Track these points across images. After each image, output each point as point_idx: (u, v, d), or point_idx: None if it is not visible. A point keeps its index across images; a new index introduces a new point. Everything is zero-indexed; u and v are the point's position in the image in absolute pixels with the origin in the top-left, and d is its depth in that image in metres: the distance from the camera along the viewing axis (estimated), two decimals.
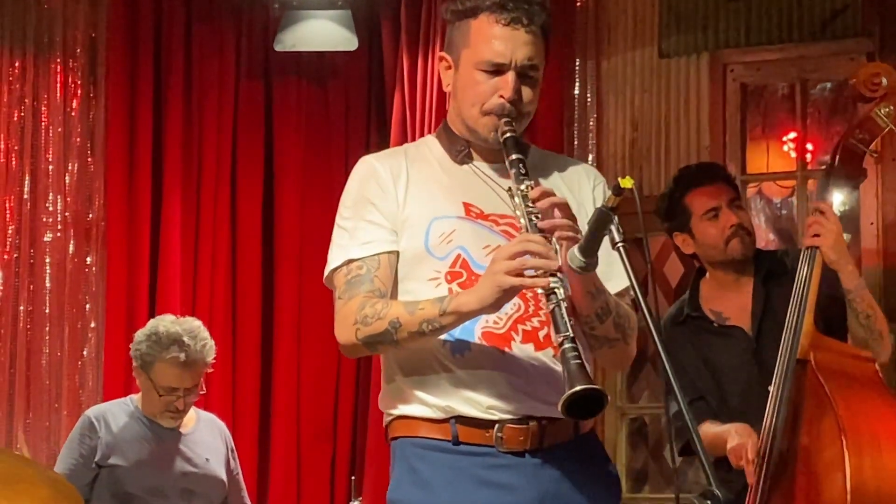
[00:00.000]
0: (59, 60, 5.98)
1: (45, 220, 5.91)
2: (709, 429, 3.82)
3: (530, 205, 2.72)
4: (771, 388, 3.67)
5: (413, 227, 2.85)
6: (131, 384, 5.12)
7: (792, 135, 5.62)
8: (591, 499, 2.84)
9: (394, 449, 2.89)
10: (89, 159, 6.01)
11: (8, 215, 5.86)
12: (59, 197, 5.93)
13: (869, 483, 3.43)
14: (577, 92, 5.75)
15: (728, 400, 3.97)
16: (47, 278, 5.89)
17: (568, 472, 2.82)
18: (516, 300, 2.78)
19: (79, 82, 6.01)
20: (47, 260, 5.89)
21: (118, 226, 5.91)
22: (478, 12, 2.86)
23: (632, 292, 2.66)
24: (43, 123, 5.95)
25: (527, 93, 2.86)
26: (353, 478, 5.51)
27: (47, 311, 5.87)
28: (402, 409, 2.85)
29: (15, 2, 5.97)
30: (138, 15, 6.00)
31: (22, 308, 5.85)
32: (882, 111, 3.82)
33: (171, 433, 4.72)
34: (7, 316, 5.82)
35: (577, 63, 5.75)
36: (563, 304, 2.62)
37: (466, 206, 2.87)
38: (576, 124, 5.74)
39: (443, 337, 2.77)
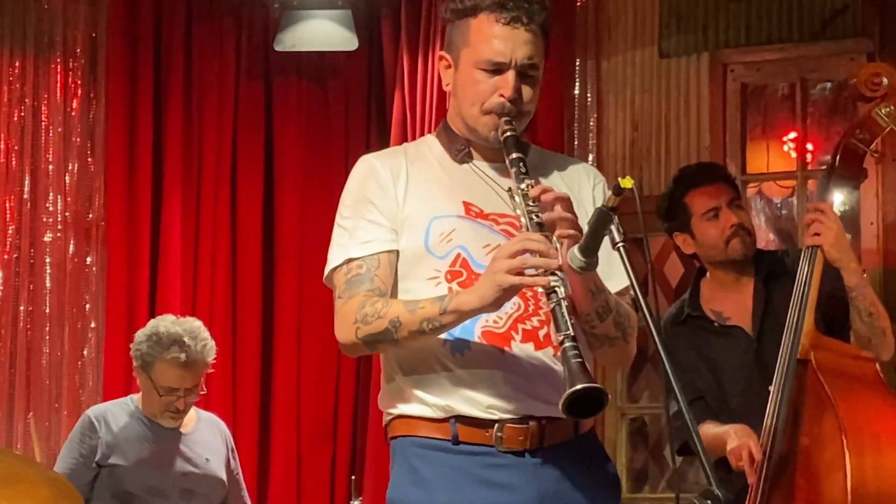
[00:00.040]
0: (59, 60, 5.98)
1: (45, 220, 5.91)
2: (708, 429, 3.82)
3: (530, 203, 2.72)
4: (771, 388, 3.67)
5: (413, 226, 2.85)
6: (131, 384, 5.12)
7: (792, 135, 5.62)
8: (590, 498, 2.83)
9: (393, 448, 2.88)
10: (89, 159, 6.01)
11: (8, 215, 5.87)
12: (59, 197, 5.93)
13: (869, 483, 3.43)
14: (577, 92, 5.75)
15: (728, 400, 3.97)
16: (47, 278, 5.89)
17: (568, 472, 2.81)
18: (516, 299, 2.77)
19: (79, 82, 6.01)
20: (47, 260, 5.90)
21: (118, 226, 5.91)
22: (477, 11, 2.85)
23: (632, 292, 2.66)
24: (43, 123, 5.95)
25: (527, 92, 2.85)
26: (353, 477, 5.50)
27: (47, 310, 5.87)
28: (402, 409, 2.85)
29: (15, 2, 5.97)
30: (138, 15, 6.00)
31: (22, 308, 5.86)
32: (883, 111, 3.83)
33: (172, 433, 4.72)
34: (7, 316, 5.83)
35: (577, 63, 5.75)
36: (564, 303, 2.62)
37: (466, 205, 2.87)
38: (576, 124, 5.75)
39: (442, 336, 2.77)
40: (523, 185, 2.75)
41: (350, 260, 2.85)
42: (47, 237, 5.91)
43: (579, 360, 2.58)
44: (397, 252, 2.86)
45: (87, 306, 5.96)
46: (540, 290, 2.69)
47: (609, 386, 5.53)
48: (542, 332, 2.79)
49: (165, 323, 4.72)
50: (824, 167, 4.29)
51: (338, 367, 6.10)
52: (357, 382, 6.13)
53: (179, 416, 4.70)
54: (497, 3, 2.83)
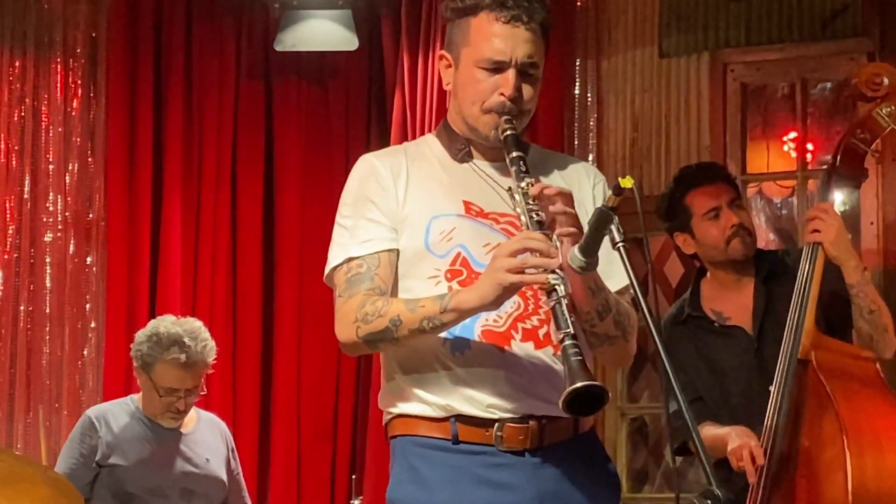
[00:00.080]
0: (59, 60, 5.98)
1: (45, 219, 5.91)
2: (708, 431, 3.82)
3: (531, 202, 2.72)
4: (772, 388, 3.67)
5: (413, 225, 2.85)
6: (131, 384, 5.12)
7: (792, 134, 5.62)
8: (590, 498, 2.83)
9: (393, 447, 2.88)
10: (89, 159, 6.01)
11: (8, 215, 5.86)
12: (59, 197, 5.93)
13: (870, 483, 3.43)
14: (577, 92, 5.75)
15: (729, 400, 3.97)
16: (47, 278, 5.89)
17: (567, 472, 2.81)
18: (516, 298, 2.78)
19: (79, 82, 6.01)
20: (47, 260, 5.89)
21: (118, 226, 5.91)
22: (478, 10, 2.86)
23: (632, 291, 2.66)
24: (43, 123, 5.95)
25: (527, 90, 2.86)
26: (353, 477, 5.51)
27: (47, 310, 5.87)
28: (402, 408, 2.85)
29: (15, 1, 5.97)
30: (138, 15, 6.00)
31: (22, 308, 5.86)
32: (883, 111, 3.83)
33: (172, 433, 4.72)
34: (7, 316, 5.83)
35: (578, 63, 5.75)
36: (564, 301, 2.62)
37: (466, 204, 2.87)
38: (576, 124, 5.74)
39: (442, 335, 2.77)
40: (523, 184, 2.75)
41: (350, 259, 2.85)
42: (47, 237, 5.90)
43: (579, 357, 2.58)
44: (397, 251, 2.86)
45: (88, 306, 5.95)
46: (539, 288, 2.69)
47: (609, 385, 5.53)
48: (541, 332, 2.79)
49: (166, 323, 4.72)
50: (824, 167, 4.29)
51: (338, 367, 6.10)
52: (357, 382, 6.13)
53: (180, 416, 4.70)
54: (497, 1, 2.83)
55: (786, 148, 5.68)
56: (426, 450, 2.81)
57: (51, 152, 5.94)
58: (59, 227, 5.92)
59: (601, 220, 2.64)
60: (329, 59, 6.20)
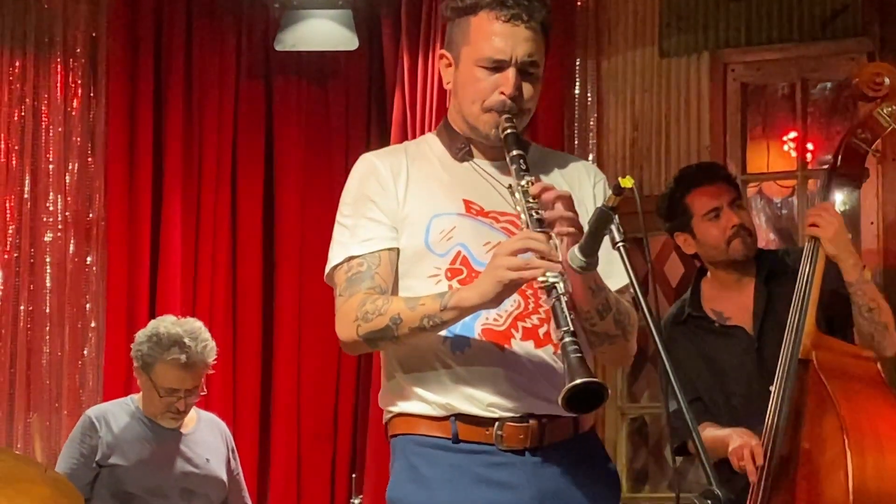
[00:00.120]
0: (59, 60, 5.98)
1: (45, 219, 5.91)
2: (708, 432, 3.81)
3: (531, 200, 2.72)
4: (772, 388, 3.67)
5: (413, 224, 2.85)
6: (131, 384, 5.12)
7: (792, 134, 5.62)
8: (590, 497, 2.83)
9: (393, 446, 2.88)
10: (89, 159, 6.01)
11: (8, 215, 5.86)
12: (59, 196, 5.93)
13: (871, 482, 3.43)
14: (577, 91, 5.75)
15: (729, 400, 3.97)
16: (47, 278, 5.88)
17: (568, 471, 2.81)
18: (516, 297, 2.78)
19: (79, 82, 6.01)
20: (48, 259, 5.89)
21: (118, 225, 5.91)
22: (477, 9, 2.86)
23: (632, 291, 2.66)
24: (43, 123, 5.95)
25: (527, 89, 2.86)
26: (353, 477, 5.50)
27: (48, 310, 5.87)
28: (402, 407, 2.85)
29: (15, 1, 5.97)
30: (139, 14, 6.00)
31: (22, 308, 5.85)
32: (884, 111, 3.83)
33: (172, 433, 4.72)
34: (7, 315, 5.82)
35: (578, 62, 5.75)
36: (563, 299, 2.62)
37: (467, 203, 2.87)
38: (576, 124, 5.74)
39: (443, 334, 2.77)
40: (523, 182, 2.75)
41: (351, 258, 2.85)
42: (47, 237, 5.90)
43: (579, 355, 2.58)
44: (398, 250, 2.86)
45: (88, 306, 5.95)
46: (539, 286, 2.69)
47: (610, 385, 5.49)
48: (541, 331, 2.79)
49: (166, 324, 4.72)
50: (825, 167, 4.29)
51: (338, 367, 6.10)
52: (357, 382, 6.13)
53: (180, 416, 4.70)
54: (497, 0, 2.83)
55: (786, 148, 5.68)
56: (426, 449, 2.81)
57: (51, 152, 5.94)
58: (59, 226, 5.92)
59: (601, 220, 2.64)
60: (329, 58, 6.20)
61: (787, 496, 3.61)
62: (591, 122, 5.73)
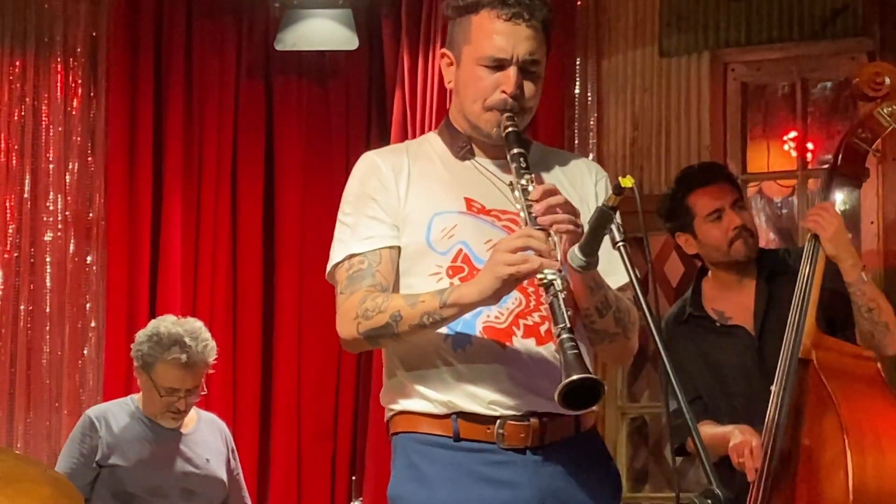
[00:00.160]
0: (59, 59, 5.98)
1: (45, 219, 5.91)
2: (708, 429, 3.82)
3: (531, 199, 2.73)
4: (773, 388, 3.68)
5: (414, 222, 2.86)
6: (132, 384, 5.12)
7: (792, 134, 5.62)
8: (591, 496, 2.83)
9: (395, 444, 2.89)
10: (90, 158, 6.01)
11: (8, 214, 5.86)
12: (59, 196, 5.93)
13: (871, 482, 3.44)
14: (577, 91, 5.74)
15: (730, 400, 3.97)
16: (48, 277, 5.88)
17: (569, 470, 2.81)
18: (517, 295, 2.78)
19: (79, 81, 6.01)
20: (48, 259, 5.89)
21: (119, 225, 5.91)
22: (479, 8, 2.86)
23: (633, 290, 2.66)
24: (43, 123, 5.95)
25: (529, 88, 2.86)
26: (353, 477, 5.51)
27: (48, 310, 5.87)
28: (404, 404, 2.85)
29: (15, 1, 5.97)
30: (139, 14, 6.00)
31: (22, 307, 5.85)
32: (885, 110, 3.84)
33: (172, 433, 4.72)
34: (7, 315, 5.82)
35: (578, 62, 5.75)
36: (561, 296, 2.63)
37: (468, 201, 2.87)
38: (576, 123, 5.74)
39: (444, 331, 2.78)
40: (524, 181, 2.76)
41: (352, 256, 2.86)
42: (48, 236, 5.90)
43: (576, 351, 2.59)
44: (399, 248, 2.86)
45: (88, 306, 5.95)
46: (539, 284, 2.69)
47: (609, 385, 5.54)
48: (543, 328, 2.79)
49: (166, 323, 4.72)
50: (825, 166, 4.29)
51: (338, 367, 6.10)
52: (357, 382, 6.13)
53: (180, 416, 4.70)
54: None
55: (786, 147, 5.67)
56: (427, 447, 2.81)
57: (51, 152, 5.94)
58: (60, 226, 5.92)
59: (601, 220, 2.65)
60: (329, 58, 6.20)
61: (787, 496, 3.61)
62: (592, 122, 5.73)
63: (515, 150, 2.81)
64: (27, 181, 5.90)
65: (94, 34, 6.05)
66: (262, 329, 6.11)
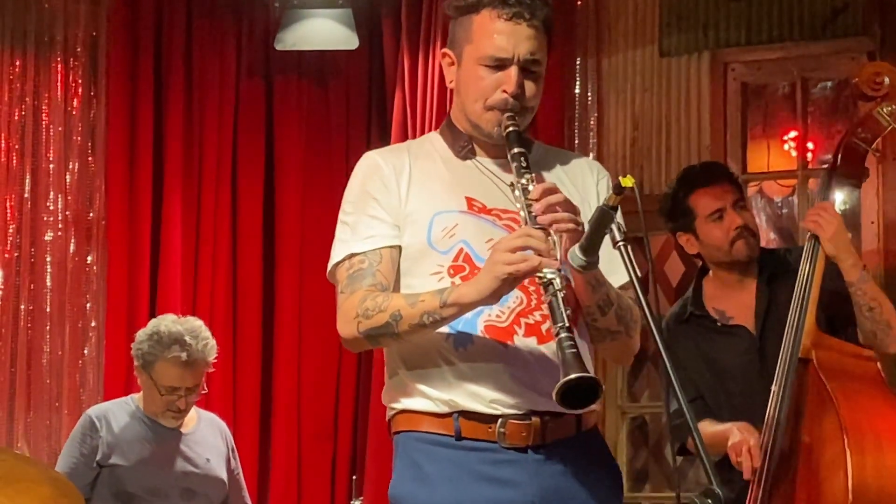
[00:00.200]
0: (59, 59, 5.98)
1: (45, 219, 5.91)
2: (707, 427, 3.82)
3: (530, 198, 2.73)
4: (773, 387, 3.68)
5: (415, 222, 2.86)
6: (132, 383, 5.12)
7: (793, 134, 5.62)
8: (592, 495, 2.84)
9: (396, 443, 2.89)
10: (90, 158, 6.01)
11: (9, 214, 5.87)
12: (59, 196, 5.93)
13: (870, 481, 3.44)
14: (577, 91, 5.75)
15: (731, 399, 3.97)
16: (48, 277, 5.89)
17: (570, 469, 2.82)
18: (518, 293, 2.79)
19: (79, 81, 6.01)
20: (48, 259, 5.90)
21: (119, 225, 5.90)
22: (480, 7, 2.87)
23: (633, 290, 2.66)
24: (44, 122, 5.95)
25: (530, 87, 2.86)
26: (353, 477, 5.50)
27: (48, 310, 5.87)
28: (405, 403, 2.85)
29: (16, 1, 5.97)
30: (139, 14, 6.00)
31: (23, 307, 5.86)
32: (884, 110, 3.84)
33: (172, 433, 4.72)
34: (8, 315, 5.82)
35: (578, 62, 5.75)
36: (560, 295, 2.63)
37: (469, 200, 2.88)
38: (576, 123, 5.74)
39: (445, 330, 2.78)
40: (524, 180, 2.76)
41: (352, 255, 2.86)
42: (48, 236, 5.90)
43: (574, 350, 2.59)
44: (399, 248, 2.87)
45: (88, 305, 5.95)
46: (539, 281, 2.69)
47: (610, 384, 5.54)
48: (544, 327, 2.79)
49: (166, 322, 4.72)
50: (825, 166, 4.29)
51: (338, 367, 6.10)
52: (358, 382, 6.13)
53: (180, 415, 4.70)
54: None
55: (786, 147, 5.67)
56: (429, 446, 2.82)
57: (51, 151, 5.94)
58: (60, 226, 5.92)
59: (602, 219, 2.65)
60: (329, 58, 6.20)
61: (787, 495, 3.61)
62: (592, 122, 5.73)
63: (516, 150, 2.81)
64: (27, 181, 5.91)
65: (94, 34, 6.05)
66: (262, 329, 6.11)
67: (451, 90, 2.97)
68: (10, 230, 5.86)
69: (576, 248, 2.70)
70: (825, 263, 3.78)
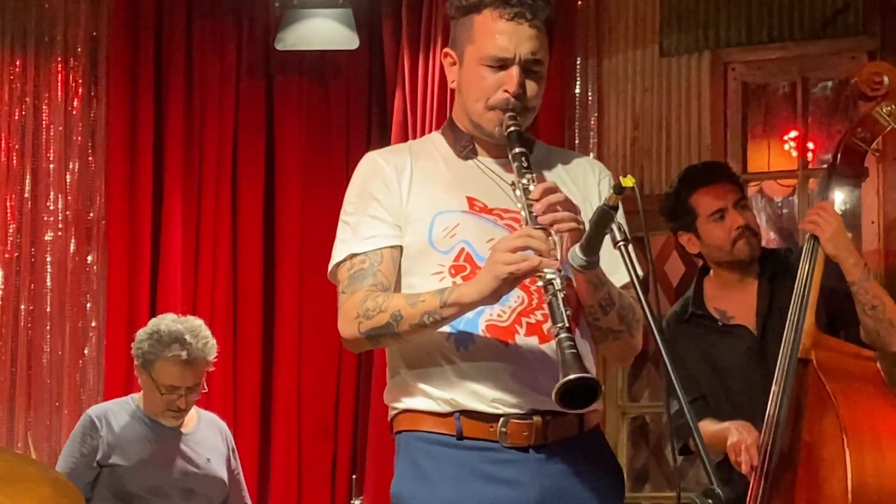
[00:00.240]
0: (60, 59, 5.98)
1: (46, 218, 5.91)
2: (708, 426, 3.82)
3: (531, 198, 2.73)
4: (773, 387, 3.68)
5: (417, 222, 2.86)
6: (132, 383, 5.12)
7: (793, 133, 5.62)
8: (594, 495, 2.84)
9: (398, 443, 2.89)
10: (90, 158, 6.01)
11: (9, 214, 5.87)
12: (59, 196, 5.93)
13: (870, 481, 3.44)
14: (578, 91, 5.75)
15: (732, 399, 3.97)
16: (48, 277, 5.89)
17: (572, 468, 2.82)
18: (520, 293, 2.79)
19: (80, 81, 6.01)
20: (48, 259, 5.90)
21: (119, 224, 5.91)
22: (481, 7, 2.87)
23: (634, 290, 2.66)
24: (44, 122, 5.95)
25: (531, 87, 2.86)
26: (353, 477, 5.51)
27: (48, 309, 5.87)
28: (407, 403, 2.85)
29: (16, 1, 5.97)
30: (139, 13, 6.01)
31: (23, 307, 5.86)
32: (884, 110, 3.84)
33: (173, 432, 4.72)
34: (8, 315, 5.83)
35: (578, 62, 5.75)
36: (560, 295, 2.63)
37: (470, 200, 2.88)
38: (577, 123, 5.75)
39: (447, 330, 2.78)
40: (524, 180, 2.76)
41: (353, 255, 2.86)
42: (48, 236, 5.91)
43: (573, 350, 2.59)
44: (400, 248, 2.87)
45: (88, 305, 5.96)
46: (540, 282, 2.69)
47: (610, 385, 5.54)
48: (545, 326, 2.78)
49: (166, 321, 4.72)
50: (825, 166, 4.29)
51: (339, 366, 6.11)
52: (358, 381, 6.13)
53: (181, 414, 4.70)
54: None
55: (787, 147, 5.67)
56: (430, 445, 2.82)
57: (51, 151, 5.94)
58: (60, 226, 5.92)
59: (602, 219, 2.65)
60: (330, 58, 6.20)
61: (787, 495, 3.61)
62: (592, 122, 5.73)
63: (517, 150, 2.81)
64: (27, 181, 5.91)
65: (94, 34, 6.05)
66: (262, 329, 6.12)
67: (452, 90, 2.97)
68: (11, 230, 5.86)
69: (576, 248, 2.70)
70: (826, 263, 3.78)
